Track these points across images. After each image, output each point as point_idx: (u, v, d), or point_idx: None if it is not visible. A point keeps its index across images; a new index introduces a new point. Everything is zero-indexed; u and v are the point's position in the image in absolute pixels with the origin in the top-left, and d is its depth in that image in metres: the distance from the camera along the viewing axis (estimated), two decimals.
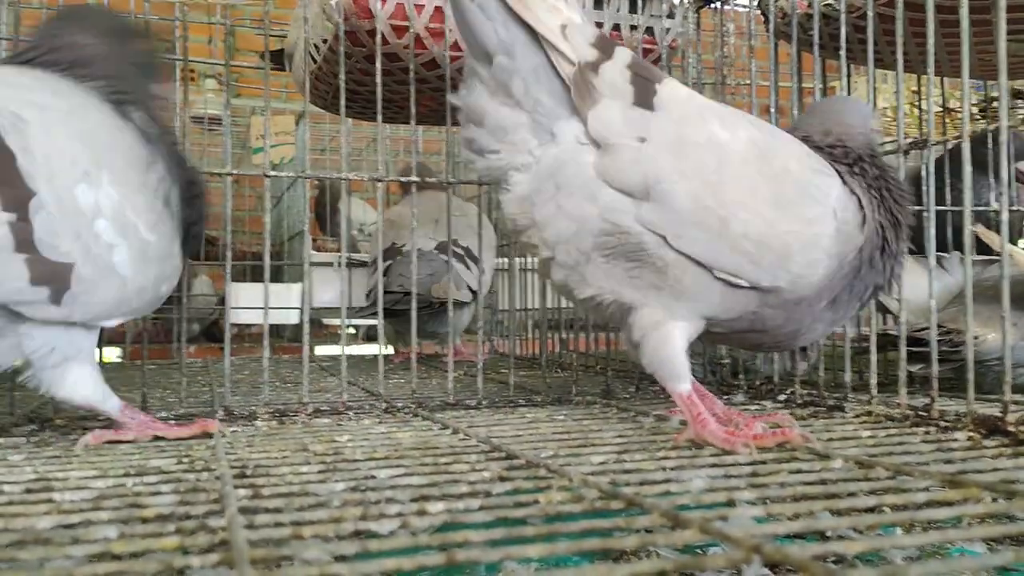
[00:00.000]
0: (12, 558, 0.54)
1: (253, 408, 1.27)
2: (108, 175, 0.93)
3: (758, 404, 1.27)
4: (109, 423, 1.04)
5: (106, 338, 1.30)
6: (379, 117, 1.37)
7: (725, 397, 1.37)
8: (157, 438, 1.02)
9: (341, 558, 0.57)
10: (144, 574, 0.48)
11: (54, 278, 0.90)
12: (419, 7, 1.42)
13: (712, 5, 1.66)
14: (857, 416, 1.12)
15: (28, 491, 0.73)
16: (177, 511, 0.65)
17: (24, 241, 0.87)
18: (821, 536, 0.78)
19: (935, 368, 1.10)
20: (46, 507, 0.67)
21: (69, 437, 1.07)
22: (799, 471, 0.76)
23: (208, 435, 1.02)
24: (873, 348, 1.21)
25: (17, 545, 0.57)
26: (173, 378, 1.77)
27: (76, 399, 1.00)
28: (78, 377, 0.99)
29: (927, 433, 0.98)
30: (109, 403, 1.02)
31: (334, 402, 1.27)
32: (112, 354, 2.73)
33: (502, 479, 0.74)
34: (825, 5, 1.39)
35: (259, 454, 0.90)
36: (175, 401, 1.35)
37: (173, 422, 1.08)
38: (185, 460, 0.87)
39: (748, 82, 1.49)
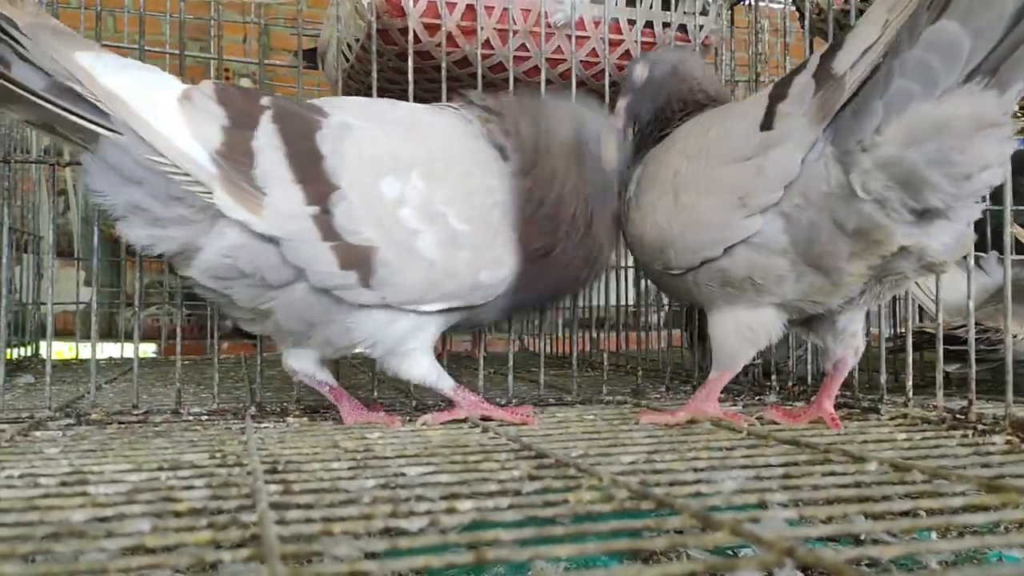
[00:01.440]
0: (48, 550, 0.55)
1: (285, 404, 1.28)
2: (420, 171, 1.05)
3: (790, 405, 1.26)
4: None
5: (142, 334, 1.31)
6: None
7: (757, 398, 1.36)
8: (485, 418, 1.12)
9: (371, 555, 0.57)
10: (176, 567, 0.49)
11: (359, 262, 1.01)
12: (451, 5, 1.42)
13: (746, 2, 1.65)
14: (892, 418, 1.10)
15: (63, 484, 0.74)
16: (209, 505, 0.66)
17: (329, 229, 1.00)
18: (855, 540, 0.77)
19: (973, 370, 1.08)
20: (81, 500, 0.68)
21: (105, 431, 1.09)
22: (832, 473, 0.75)
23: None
24: (909, 348, 1.19)
25: (52, 537, 0.57)
26: (207, 374, 1.79)
27: (412, 379, 1.14)
28: (411, 363, 1.12)
29: (964, 436, 0.96)
30: (443, 382, 1.14)
31: (364, 400, 1.28)
32: (147, 350, 2.77)
33: (532, 478, 0.74)
34: (862, 0, 1.37)
35: (290, 450, 0.91)
36: (208, 397, 1.37)
37: (500, 406, 1.19)
38: (217, 455, 0.87)
39: None
